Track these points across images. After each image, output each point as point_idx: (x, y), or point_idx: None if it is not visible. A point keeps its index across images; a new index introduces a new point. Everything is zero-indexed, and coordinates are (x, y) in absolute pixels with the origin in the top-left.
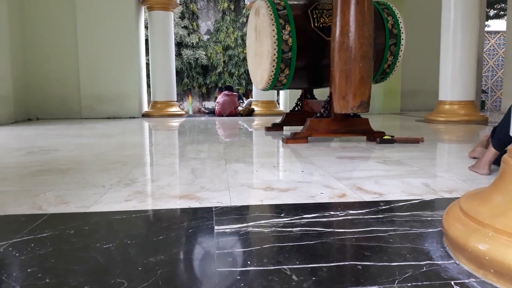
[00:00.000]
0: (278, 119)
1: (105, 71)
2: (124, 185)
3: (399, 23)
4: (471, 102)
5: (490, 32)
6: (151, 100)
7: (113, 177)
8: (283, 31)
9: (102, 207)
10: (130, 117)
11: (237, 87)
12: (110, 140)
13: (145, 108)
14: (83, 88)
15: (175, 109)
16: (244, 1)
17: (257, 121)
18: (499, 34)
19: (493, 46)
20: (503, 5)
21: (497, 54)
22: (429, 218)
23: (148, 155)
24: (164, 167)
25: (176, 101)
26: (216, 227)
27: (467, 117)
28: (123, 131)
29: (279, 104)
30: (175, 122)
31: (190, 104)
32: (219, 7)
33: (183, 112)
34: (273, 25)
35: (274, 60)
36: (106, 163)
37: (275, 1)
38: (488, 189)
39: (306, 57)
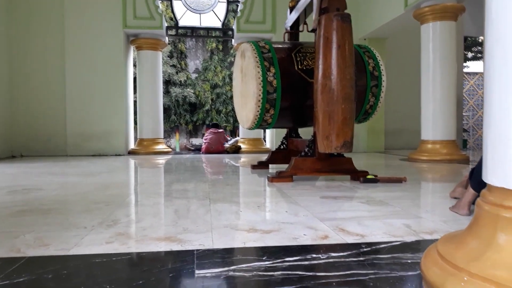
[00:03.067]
0: (264, 157)
1: (92, 108)
2: (106, 227)
3: (380, 66)
4: (453, 141)
5: (469, 73)
6: (138, 137)
7: (96, 218)
8: (268, 73)
9: (82, 249)
10: (116, 155)
11: (224, 124)
12: (94, 178)
13: (131, 145)
14: (69, 126)
15: (161, 147)
16: (232, 42)
17: (243, 158)
18: (478, 75)
19: (473, 87)
20: (480, 48)
21: (476, 94)
22: (409, 261)
23: (133, 195)
24: (148, 207)
25: (163, 138)
26: (197, 271)
27: (449, 156)
28: (108, 169)
29: (265, 142)
30: (161, 160)
31: (177, 141)
32: (207, 47)
33: (170, 150)
34: (258, 67)
35: (259, 101)
36: (89, 203)
37: (260, 44)
38: (463, 233)
39: (290, 98)
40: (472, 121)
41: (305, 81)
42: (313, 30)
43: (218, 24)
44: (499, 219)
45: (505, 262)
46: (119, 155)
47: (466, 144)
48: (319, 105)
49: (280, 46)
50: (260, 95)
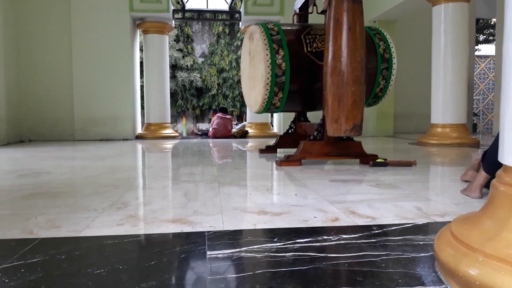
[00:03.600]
0: (272, 141)
1: (99, 93)
2: (116, 209)
3: (391, 48)
4: (463, 125)
5: (480, 57)
6: (145, 122)
7: (105, 201)
8: (276, 55)
9: (93, 231)
10: (124, 139)
11: (231, 109)
12: (102, 162)
13: (139, 130)
14: (77, 110)
15: (168, 131)
16: (239, 25)
17: (251, 143)
18: (489, 59)
19: (484, 70)
20: (492, 30)
21: (487, 77)
22: (421, 243)
23: (141, 178)
24: (157, 190)
25: (170, 123)
26: (208, 252)
27: (459, 140)
28: (116, 153)
29: (273, 126)
30: (169, 144)
31: (184, 125)
32: (214, 31)
33: (177, 134)
34: (266, 49)
35: (267, 84)
36: (98, 186)
37: (268, 27)
38: (478, 214)
39: (299, 81)
40: (482, 105)
41: (314, 63)
42: (323, 12)
43: (225, 7)
44: None
45: None
46: (127, 139)
47: (476, 128)
48: (329, 88)
49: (289, 28)
50: (268, 78)
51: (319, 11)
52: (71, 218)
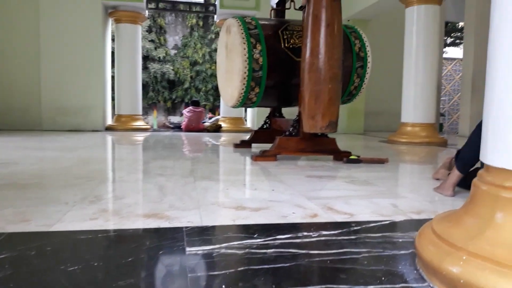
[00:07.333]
0: (245, 136)
1: (69, 82)
2: (89, 203)
3: (366, 47)
4: (432, 124)
5: (447, 59)
6: (116, 113)
7: (77, 194)
8: (254, 50)
9: (65, 225)
10: (93, 130)
11: (204, 103)
12: (73, 154)
13: (109, 121)
14: (45, 100)
15: (140, 123)
16: (213, 18)
17: (224, 137)
18: (455, 61)
19: (450, 72)
20: (459, 34)
21: (453, 79)
22: (400, 240)
23: (114, 171)
24: (130, 184)
25: (141, 115)
26: (187, 249)
27: (428, 139)
28: (87, 144)
29: (246, 121)
30: (140, 137)
31: (155, 118)
32: (187, 23)
33: (148, 126)
34: (244, 43)
35: (244, 78)
36: (70, 179)
37: (246, 20)
38: (459, 212)
39: (276, 77)
40: (448, 105)
41: (291, 59)
42: (301, 8)
43: None
44: (498, 199)
45: (505, 240)
46: (97, 131)
47: (442, 128)
48: (306, 84)
49: (266, 23)
50: (245, 72)
51: (297, 7)
52: (41, 211)
